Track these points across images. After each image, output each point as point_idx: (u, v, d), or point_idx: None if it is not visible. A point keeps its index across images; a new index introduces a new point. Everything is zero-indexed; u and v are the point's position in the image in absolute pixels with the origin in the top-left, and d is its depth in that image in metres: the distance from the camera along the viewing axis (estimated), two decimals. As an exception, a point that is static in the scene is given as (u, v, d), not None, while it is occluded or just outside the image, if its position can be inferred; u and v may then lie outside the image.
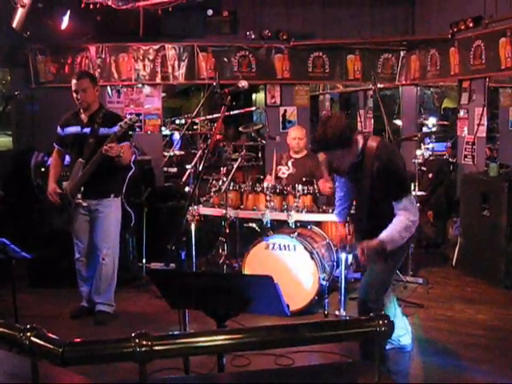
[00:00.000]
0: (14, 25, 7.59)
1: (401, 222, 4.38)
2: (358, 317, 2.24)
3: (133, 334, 1.98)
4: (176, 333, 2.07)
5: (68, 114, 6.32)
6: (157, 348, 1.96)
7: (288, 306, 3.05)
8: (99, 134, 5.93)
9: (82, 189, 5.99)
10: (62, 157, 6.35)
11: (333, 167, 4.98)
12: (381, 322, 2.11)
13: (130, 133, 6.17)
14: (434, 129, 11.63)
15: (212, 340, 2.05)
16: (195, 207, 6.89)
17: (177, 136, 11.45)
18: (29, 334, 2.01)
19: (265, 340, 2.11)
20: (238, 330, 2.15)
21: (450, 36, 8.73)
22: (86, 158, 5.92)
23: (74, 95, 6.04)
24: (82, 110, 6.14)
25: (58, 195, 6.08)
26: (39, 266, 7.11)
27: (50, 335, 2.02)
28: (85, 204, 6.03)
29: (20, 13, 7.47)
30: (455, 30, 8.59)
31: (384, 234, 4.33)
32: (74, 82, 6.04)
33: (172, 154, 8.66)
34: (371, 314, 2.16)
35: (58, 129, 6.25)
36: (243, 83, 4.68)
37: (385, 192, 4.41)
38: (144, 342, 1.95)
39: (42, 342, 1.99)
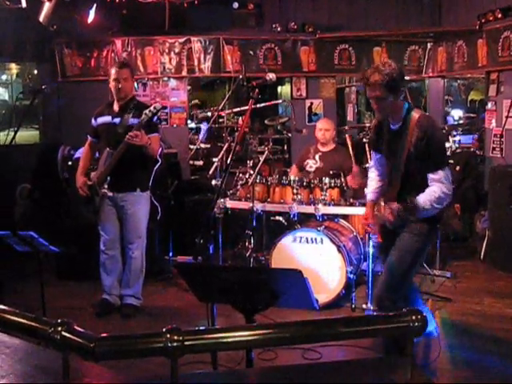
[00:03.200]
0: (41, 19, 7.63)
1: (434, 192, 4.30)
2: (389, 312, 2.22)
3: (164, 329, 1.96)
4: (207, 328, 2.06)
5: (102, 105, 6.38)
6: (188, 343, 1.95)
7: (317, 299, 3.04)
8: (128, 124, 5.92)
9: (109, 179, 6.02)
10: (93, 149, 6.38)
11: (373, 139, 4.92)
12: (414, 317, 2.07)
13: (159, 124, 6.16)
14: (460, 121, 11.52)
15: (243, 335, 2.03)
16: (222, 200, 6.87)
17: (203, 126, 11.48)
18: (60, 328, 2.00)
19: (297, 335, 2.09)
20: (270, 325, 2.12)
21: (477, 27, 8.62)
22: (113, 148, 5.94)
23: (113, 83, 6.05)
24: (115, 101, 6.16)
25: (87, 187, 6.11)
26: (66, 259, 7.15)
27: (81, 330, 2.01)
28: (110, 194, 6.05)
29: (47, 7, 7.51)
30: (483, 21, 8.49)
31: (416, 199, 4.28)
32: (115, 70, 6.06)
33: (198, 147, 8.65)
34: (404, 310, 2.12)
35: (92, 120, 6.28)
36: (271, 76, 4.66)
37: (422, 162, 4.35)
38: (175, 337, 1.93)
39: (73, 337, 1.98)
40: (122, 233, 6.26)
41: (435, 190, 4.31)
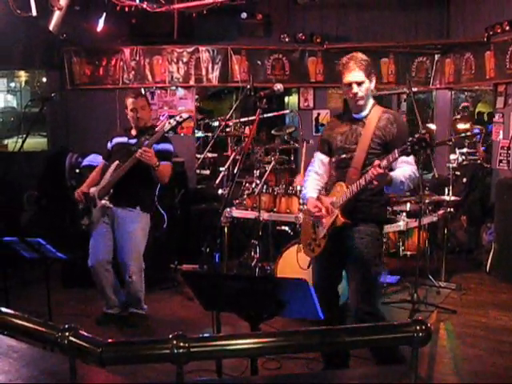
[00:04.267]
0: (51, 27, 7.66)
1: (409, 170, 4.34)
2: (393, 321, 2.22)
3: (170, 336, 1.98)
4: (213, 335, 2.07)
5: (120, 129, 6.45)
6: (194, 350, 1.96)
7: (322, 309, 3.05)
8: (143, 146, 5.86)
9: (111, 191, 5.96)
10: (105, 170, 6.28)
11: (325, 139, 4.78)
12: (418, 327, 2.09)
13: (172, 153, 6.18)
14: (468, 133, 11.51)
15: (249, 343, 2.05)
16: (228, 209, 6.89)
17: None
18: (67, 333, 2.02)
19: (302, 344, 2.10)
20: (276, 333, 2.14)
21: (485, 39, 8.64)
22: (123, 162, 5.87)
23: (131, 114, 6.04)
24: (133, 128, 6.16)
25: (84, 196, 6.06)
26: (72, 266, 7.16)
27: (89, 335, 2.03)
28: (110, 205, 5.95)
29: (56, 15, 7.54)
30: (491, 33, 8.52)
31: (392, 173, 4.26)
32: (131, 100, 6.04)
33: (205, 156, 8.68)
34: (410, 320, 2.14)
35: (108, 143, 6.26)
36: (278, 86, 4.66)
37: (386, 146, 4.38)
38: (181, 344, 1.95)
39: (80, 342, 2.00)
40: (117, 253, 6.09)
41: (407, 169, 4.35)
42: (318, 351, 2.42)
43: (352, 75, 4.45)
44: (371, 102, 4.61)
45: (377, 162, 4.13)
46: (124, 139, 6.14)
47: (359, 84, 4.46)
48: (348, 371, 3.35)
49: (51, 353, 2.59)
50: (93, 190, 6.10)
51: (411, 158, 4.38)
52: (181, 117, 5.73)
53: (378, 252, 4.59)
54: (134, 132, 6.16)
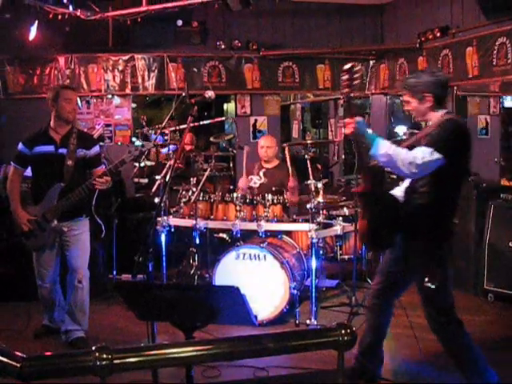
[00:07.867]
0: (-19, 36, 7.54)
1: (407, 153, 4.13)
2: (325, 326, 2.23)
3: (93, 348, 1.96)
4: (136, 346, 2.05)
5: (34, 132, 5.97)
6: (117, 361, 1.95)
7: (256, 316, 3.06)
8: (77, 156, 5.74)
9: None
10: (20, 177, 6.03)
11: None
12: (343, 331, 2.11)
13: (101, 143, 6.06)
14: (404, 137, 11.67)
15: (173, 352, 2.04)
16: (165, 218, 6.86)
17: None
18: (-14, 349, 1.99)
19: (228, 351, 2.10)
20: (200, 341, 2.14)
21: (418, 45, 8.82)
22: (66, 182, 5.70)
23: (70, 106, 5.76)
24: (51, 128, 5.84)
25: (30, 222, 5.76)
26: (4, 280, 7.03)
27: (8, 350, 1.99)
28: (65, 229, 5.77)
29: (-14, 24, 7.42)
30: (423, 39, 8.71)
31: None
32: (71, 92, 5.85)
33: (143, 164, 8.62)
34: (334, 324, 2.15)
35: (22, 147, 5.89)
36: (210, 93, 4.68)
37: None
38: (104, 356, 1.93)
39: (-1, 357, 1.96)
40: (65, 262, 5.95)
41: (410, 152, 4.15)
42: (246, 358, 2.43)
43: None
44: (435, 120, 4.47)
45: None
46: (49, 148, 5.79)
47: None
48: (281, 375, 3.36)
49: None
50: (35, 209, 5.82)
51: (426, 153, 4.09)
52: (136, 149, 5.60)
53: (429, 267, 4.44)
54: (55, 135, 5.81)
